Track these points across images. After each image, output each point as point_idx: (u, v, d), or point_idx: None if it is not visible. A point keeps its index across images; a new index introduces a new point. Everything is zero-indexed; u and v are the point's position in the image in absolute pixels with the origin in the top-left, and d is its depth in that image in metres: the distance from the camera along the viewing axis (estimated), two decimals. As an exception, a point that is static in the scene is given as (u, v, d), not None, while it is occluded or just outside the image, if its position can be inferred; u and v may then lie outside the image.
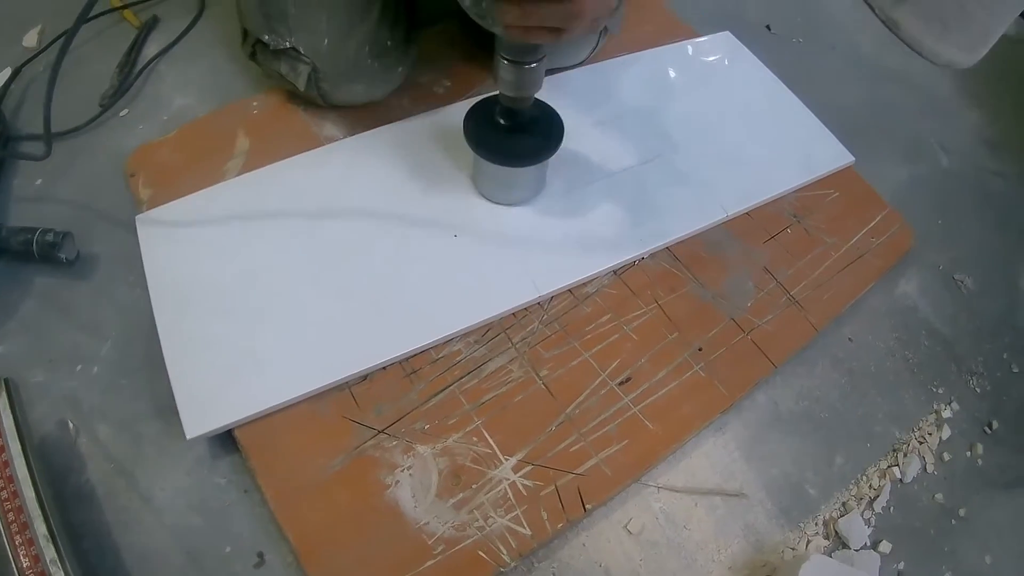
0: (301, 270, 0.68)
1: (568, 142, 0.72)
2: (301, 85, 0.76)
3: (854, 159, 0.87)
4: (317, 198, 0.73)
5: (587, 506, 0.60)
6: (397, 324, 0.66)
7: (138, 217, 0.70)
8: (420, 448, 0.61)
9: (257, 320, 0.65)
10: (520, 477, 0.60)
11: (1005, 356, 0.81)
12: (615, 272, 0.74)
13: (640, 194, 0.78)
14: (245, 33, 0.80)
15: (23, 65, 0.85)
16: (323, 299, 0.67)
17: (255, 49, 0.79)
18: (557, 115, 0.72)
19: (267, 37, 0.75)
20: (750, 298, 0.74)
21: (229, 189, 0.73)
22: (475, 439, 0.62)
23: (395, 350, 0.64)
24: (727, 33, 0.99)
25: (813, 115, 0.91)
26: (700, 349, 0.70)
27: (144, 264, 0.67)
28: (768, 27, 1.11)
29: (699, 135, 0.85)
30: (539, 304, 0.70)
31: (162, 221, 0.70)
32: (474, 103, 0.72)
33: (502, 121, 0.69)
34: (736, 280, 0.75)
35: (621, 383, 0.66)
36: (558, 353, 0.67)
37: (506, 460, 0.61)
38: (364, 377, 0.64)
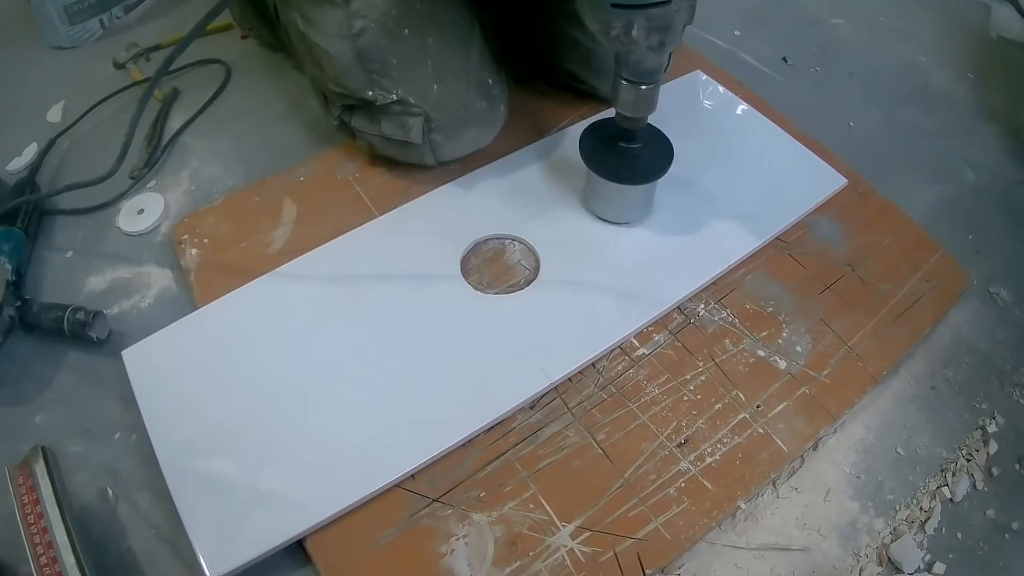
0: (345, 348, 0.72)
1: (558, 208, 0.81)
2: (416, 138, 0.78)
3: (846, 181, 0.89)
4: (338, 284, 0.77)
5: (647, 571, 0.61)
6: (450, 411, 0.68)
7: (124, 352, 0.70)
8: (475, 516, 0.62)
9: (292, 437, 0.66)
10: (578, 544, 0.62)
11: (1048, 364, 0.82)
12: (671, 331, 0.76)
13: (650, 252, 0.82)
14: (326, 102, 0.82)
15: (56, 138, 0.92)
16: (387, 371, 0.70)
17: (342, 118, 0.81)
18: (665, 136, 0.79)
19: (371, 93, 0.76)
20: (807, 352, 0.75)
21: (225, 306, 0.74)
22: (532, 506, 0.63)
23: (456, 435, 0.66)
24: (698, 72, 1.02)
25: (797, 143, 0.93)
26: (759, 407, 0.71)
27: (140, 407, 0.67)
28: (785, 59, 1.15)
29: (690, 181, 0.87)
30: (594, 367, 0.73)
31: (149, 354, 0.71)
32: (588, 124, 0.79)
33: (620, 143, 0.77)
34: (793, 334, 0.77)
35: (679, 445, 0.68)
36: (615, 417, 0.69)
37: (564, 527, 0.62)
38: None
